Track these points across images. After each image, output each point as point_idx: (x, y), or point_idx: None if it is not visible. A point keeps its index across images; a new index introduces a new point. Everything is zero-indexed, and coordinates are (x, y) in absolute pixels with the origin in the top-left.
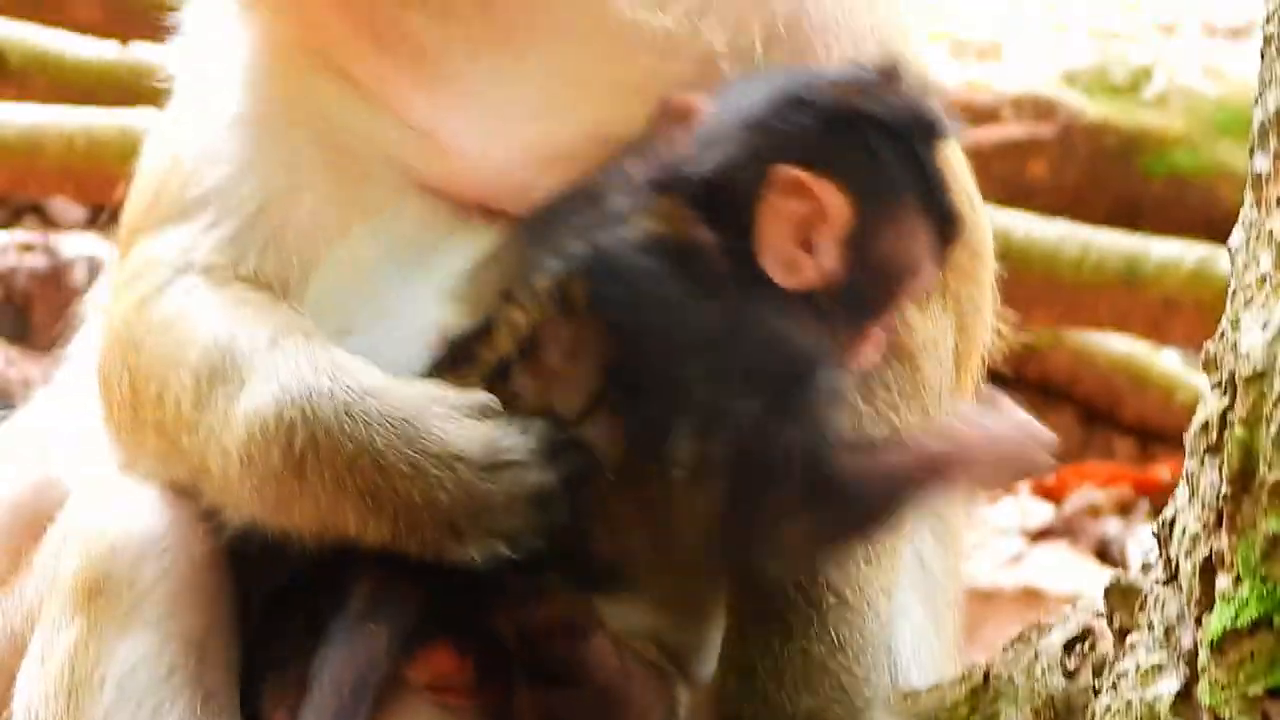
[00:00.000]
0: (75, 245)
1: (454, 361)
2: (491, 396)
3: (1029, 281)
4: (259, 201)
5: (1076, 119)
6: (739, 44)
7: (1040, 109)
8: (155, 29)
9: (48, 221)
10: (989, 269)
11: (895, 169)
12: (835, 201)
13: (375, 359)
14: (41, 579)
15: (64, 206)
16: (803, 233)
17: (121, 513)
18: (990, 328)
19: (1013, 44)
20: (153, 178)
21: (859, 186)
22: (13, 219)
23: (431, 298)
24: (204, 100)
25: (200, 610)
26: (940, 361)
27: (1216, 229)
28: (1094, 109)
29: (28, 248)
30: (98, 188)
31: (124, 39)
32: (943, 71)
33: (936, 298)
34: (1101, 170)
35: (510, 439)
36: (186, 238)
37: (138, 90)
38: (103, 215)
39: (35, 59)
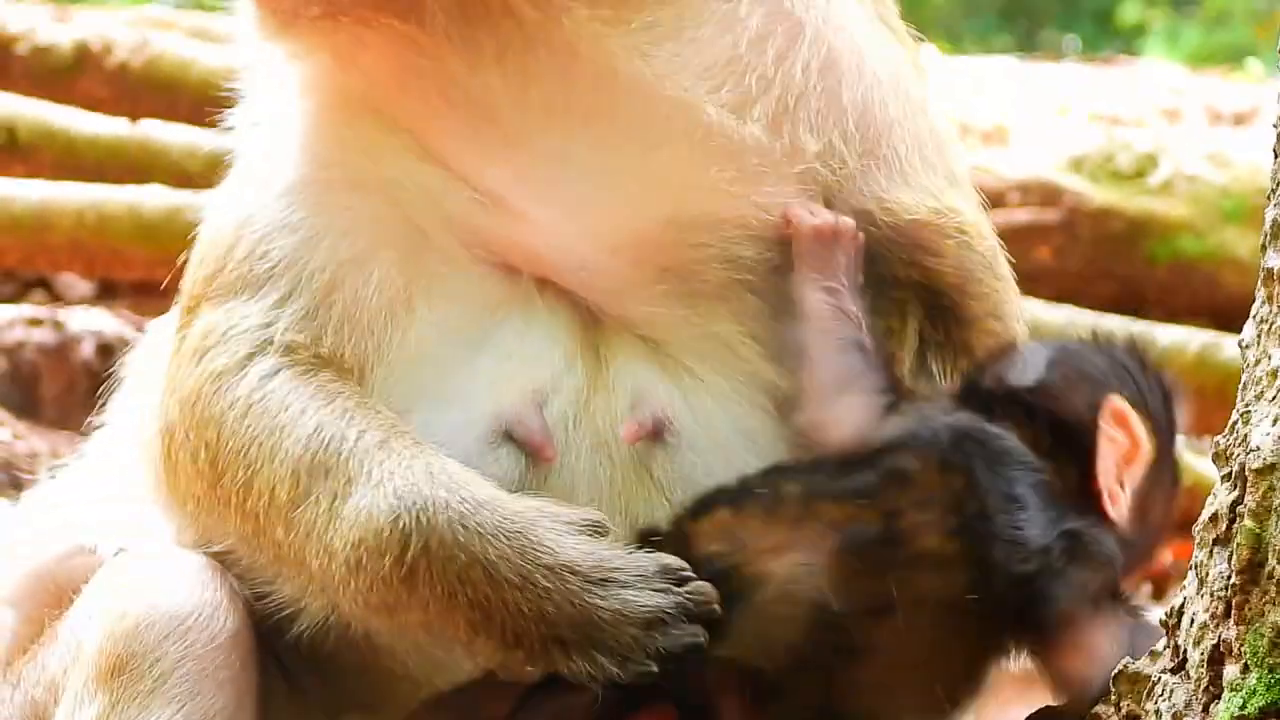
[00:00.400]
0: (82, 320)
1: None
2: (602, 515)
3: None
4: (331, 274)
5: (1082, 204)
6: (817, 148)
7: (1046, 194)
8: (164, 106)
9: (55, 296)
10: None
11: (1169, 426)
12: (1146, 439)
13: (431, 440)
14: (65, 650)
15: (71, 281)
16: (1122, 466)
17: (149, 589)
18: None
19: (1019, 129)
20: (216, 245)
21: (1159, 430)
22: (20, 293)
23: (490, 379)
24: (268, 167)
25: (223, 687)
26: None
27: (1221, 315)
28: (1099, 195)
29: (35, 322)
30: (106, 263)
31: (133, 116)
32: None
33: None
34: (1106, 255)
35: (621, 559)
36: (260, 312)
37: (147, 166)
38: (110, 291)
39: (44, 135)
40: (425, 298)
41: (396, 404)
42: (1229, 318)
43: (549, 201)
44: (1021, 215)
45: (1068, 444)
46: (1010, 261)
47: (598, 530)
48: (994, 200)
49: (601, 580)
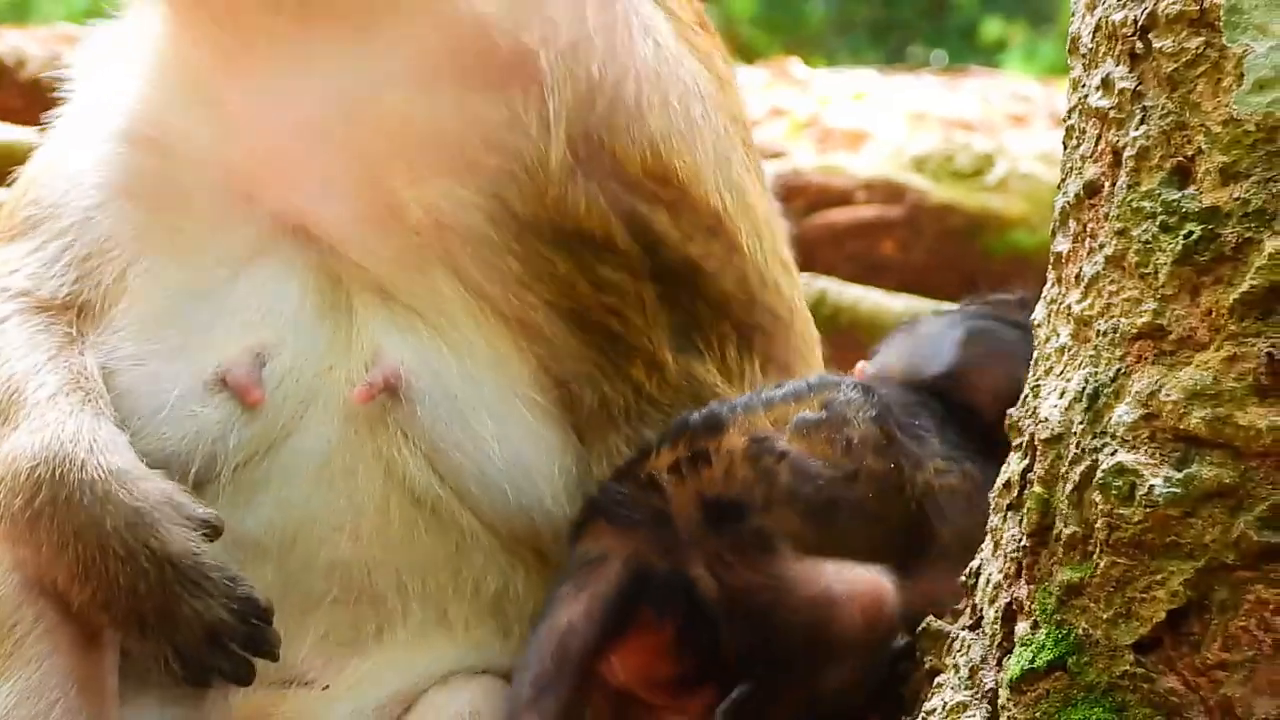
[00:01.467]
0: None
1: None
2: (219, 518)
3: None
4: (76, 222)
5: (924, 201)
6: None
7: (890, 192)
8: None
9: None
10: (796, 330)
11: None
12: None
13: (158, 391)
14: None
15: None
16: None
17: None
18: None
19: (874, 134)
20: (13, 191)
21: None
22: None
23: (220, 331)
24: (70, 119)
25: (79, 644)
26: None
27: None
28: (940, 192)
29: None
30: None
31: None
32: (802, 157)
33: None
34: (947, 249)
35: (219, 572)
36: (16, 258)
37: None
38: None
39: None
40: (168, 250)
41: (130, 353)
42: None
43: (260, 104)
44: (868, 211)
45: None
46: (857, 254)
47: (210, 531)
48: (843, 198)
49: (193, 582)
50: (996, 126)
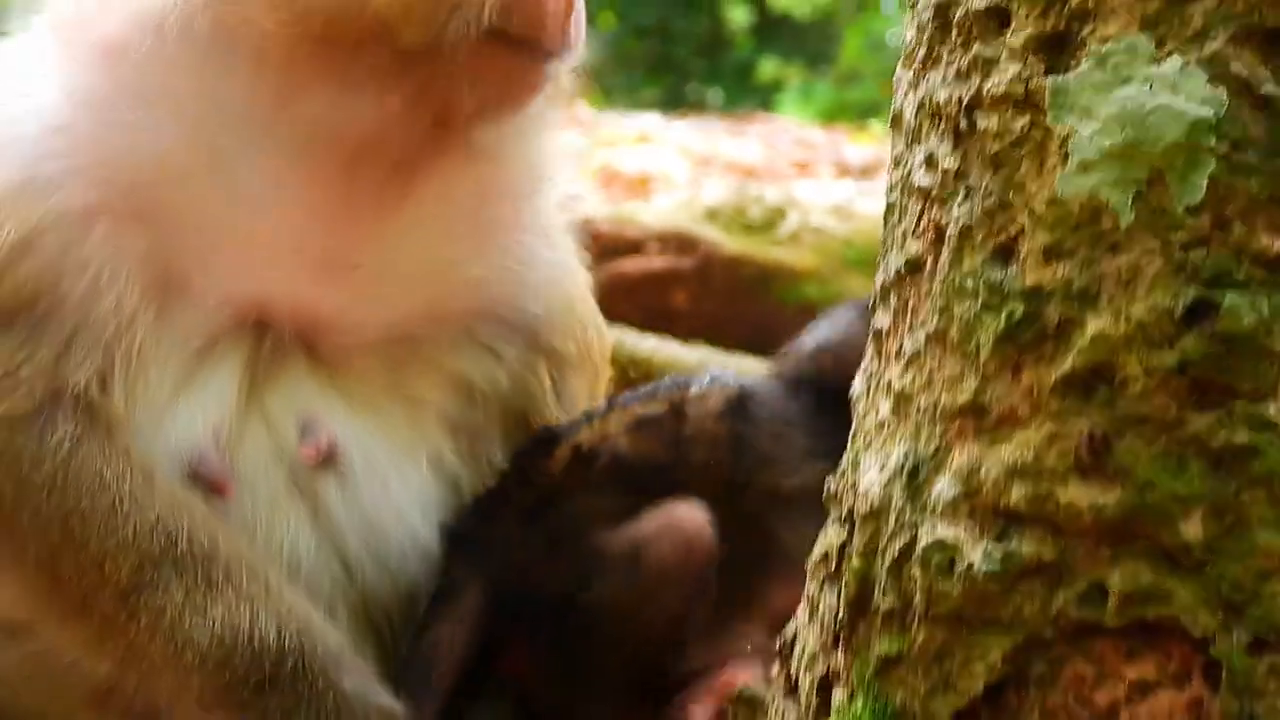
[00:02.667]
0: None
1: None
2: (397, 710)
3: None
4: (96, 315)
5: (716, 253)
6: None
7: (682, 244)
8: None
9: None
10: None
11: None
12: None
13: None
14: None
15: None
16: None
17: None
18: None
19: (660, 180)
20: None
21: None
22: None
23: (186, 418)
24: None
25: None
26: None
27: None
28: (731, 244)
29: None
30: None
31: None
32: (595, 205)
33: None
34: (739, 300)
35: None
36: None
37: None
38: None
39: None
40: (156, 347)
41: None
42: None
43: (359, 280)
44: (660, 262)
45: None
46: (649, 304)
47: None
48: (635, 248)
49: None
50: (781, 173)
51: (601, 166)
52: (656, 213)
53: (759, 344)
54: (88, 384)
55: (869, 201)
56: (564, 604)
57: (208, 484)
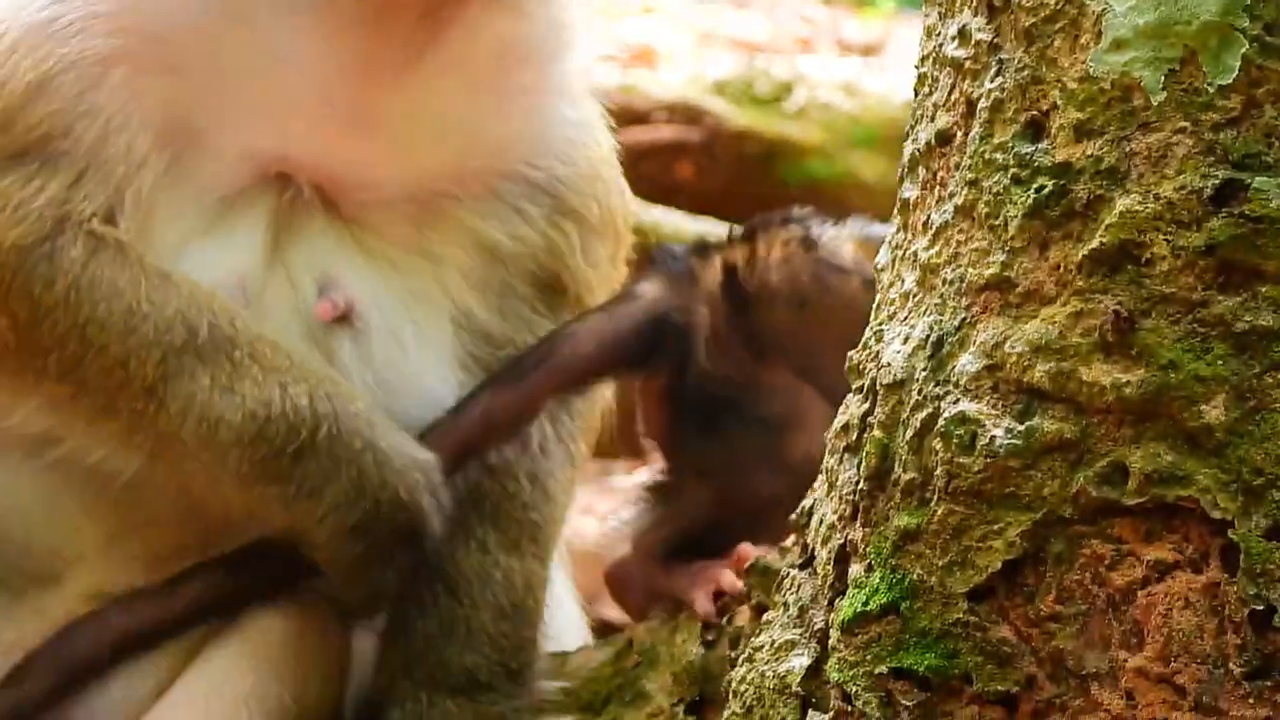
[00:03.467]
0: None
1: None
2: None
3: None
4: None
5: (722, 126)
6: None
7: (689, 115)
8: None
9: None
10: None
11: None
12: None
13: None
14: None
15: None
16: None
17: None
18: None
19: (664, 52)
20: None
21: None
22: None
23: (208, 266)
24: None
25: None
26: None
27: None
28: (739, 117)
29: None
30: None
31: None
32: (603, 74)
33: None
34: (743, 174)
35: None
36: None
37: None
38: None
39: None
40: (170, 192)
41: (140, 256)
42: None
43: (381, 136)
44: (666, 133)
45: None
46: (654, 176)
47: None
48: (641, 118)
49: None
50: (784, 49)
51: (606, 38)
52: (663, 84)
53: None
54: (94, 215)
55: (877, 78)
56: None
57: None
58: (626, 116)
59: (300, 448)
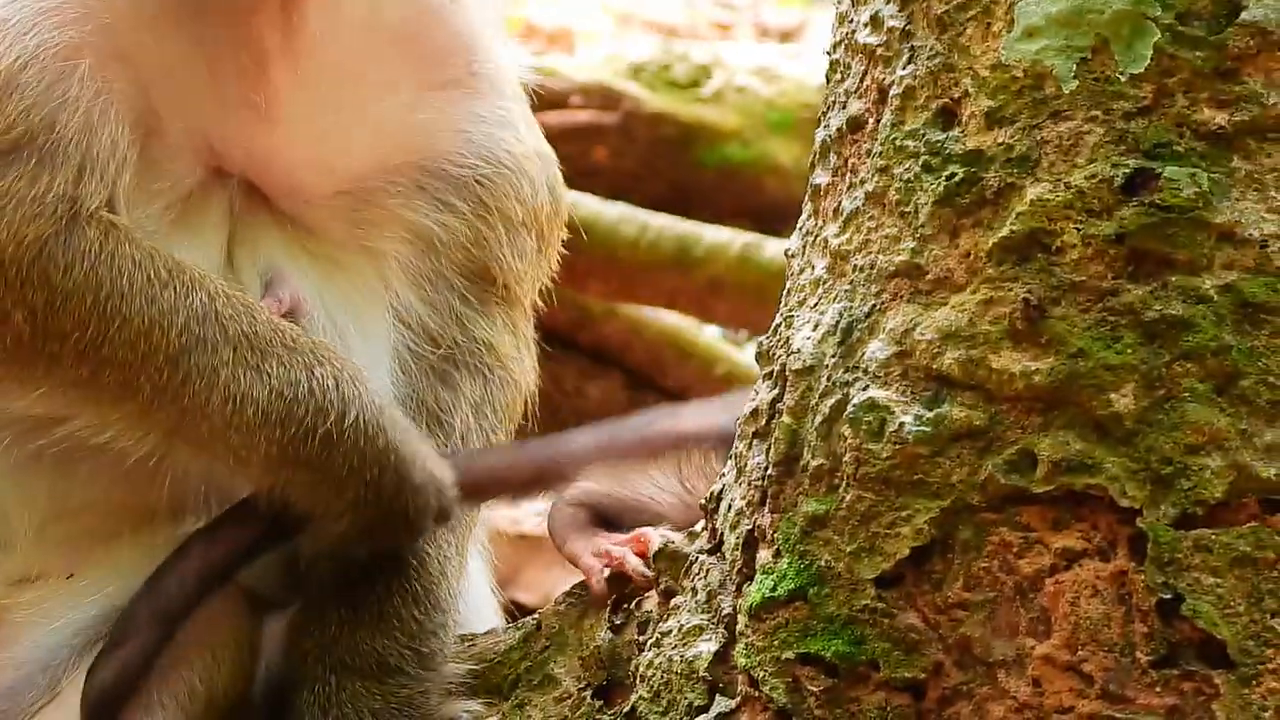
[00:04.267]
0: None
1: None
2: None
3: (589, 256)
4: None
5: (639, 109)
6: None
7: (606, 98)
8: None
9: None
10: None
11: None
12: None
13: None
14: None
15: None
16: None
17: None
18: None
19: (581, 34)
20: None
21: None
22: None
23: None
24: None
25: None
26: (522, 361)
27: (760, 217)
28: (655, 101)
29: None
30: None
31: None
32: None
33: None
34: (659, 158)
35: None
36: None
37: None
38: None
39: None
40: (139, 185)
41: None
42: (769, 221)
43: (294, 131)
44: (582, 116)
45: None
46: (570, 158)
47: None
48: (557, 102)
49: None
50: (701, 34)
51: (521, 20)
52: (579, 67)
53: (678, 203)
54: (100, 205)
55: (794, 64)
56: None
57: None
58: (542, 100)
59: (329, 432)
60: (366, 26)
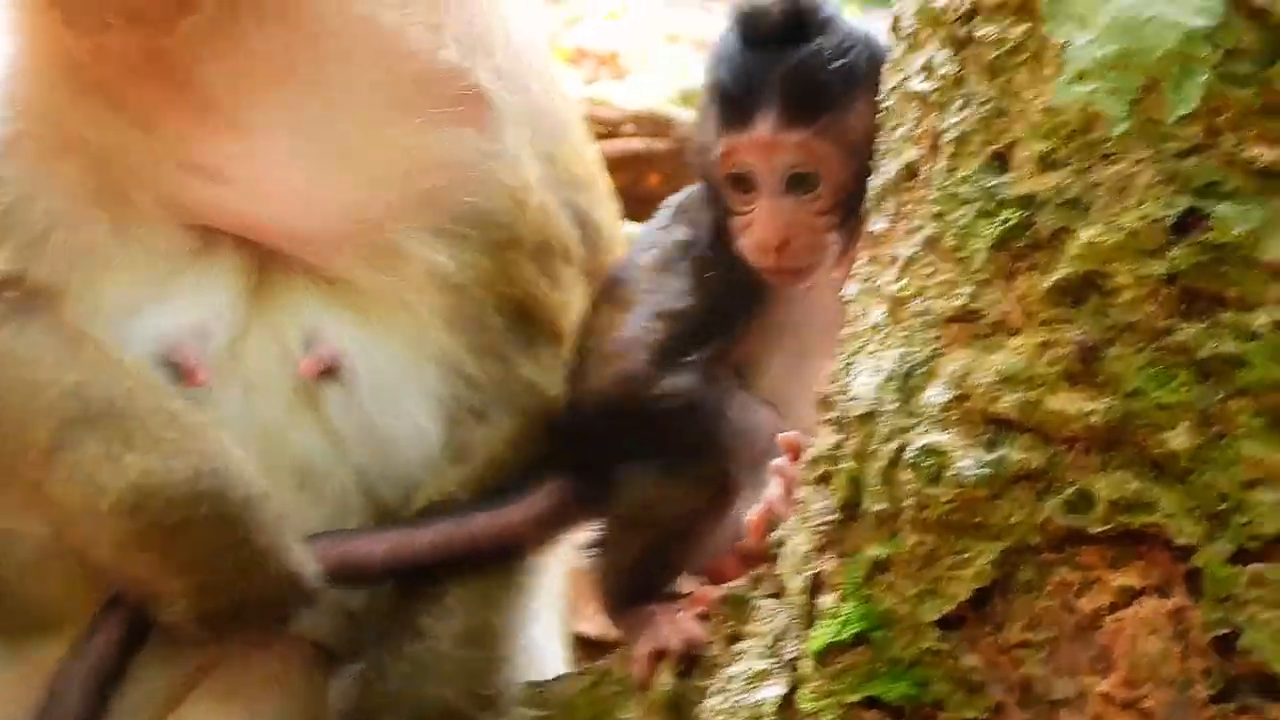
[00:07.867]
0: None
1: None
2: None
3: None
4: (38, 229)
5: (690, 135)
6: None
7: (657, 125)
8: None
9: None
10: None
11: None
12: None
13: None
14: None
15: None
16: None
17: None
18: None
19: (631, 57)
20: None
21: None
22: None
23: (165, 318)
24: None
25: None
26: None
27: None
28: None
29: None
30: None
31: None
32: (573, 85)
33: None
34: None
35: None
36: None
37: None
38: None
39: None
40: (119, 252)
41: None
42: None
43: (269, 177)
44: (636, 144)
45: None
46: (624, 186)
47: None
48: (611, 130)
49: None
50: None
51: (570, 48)
52: (631, 94)
53: None
54: (9, 278)
55: None
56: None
57: (180, 370)
58: (596, 128)
59: (178, 523)
60: (330, 60)
